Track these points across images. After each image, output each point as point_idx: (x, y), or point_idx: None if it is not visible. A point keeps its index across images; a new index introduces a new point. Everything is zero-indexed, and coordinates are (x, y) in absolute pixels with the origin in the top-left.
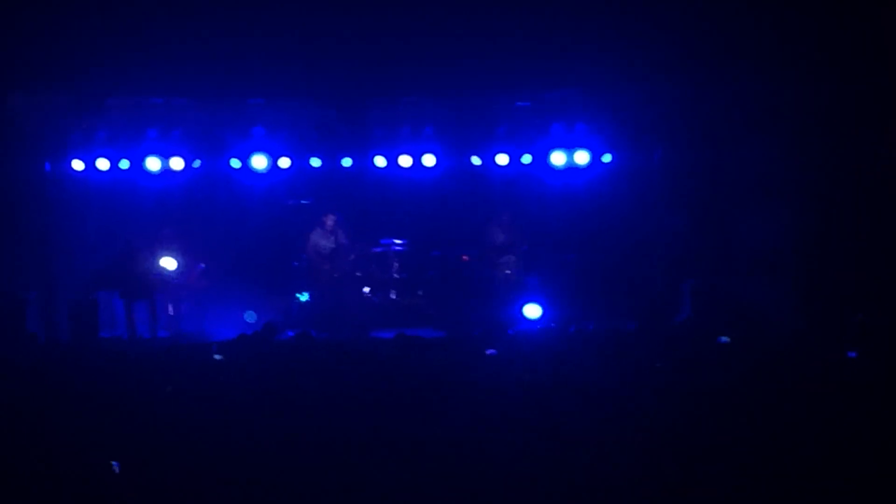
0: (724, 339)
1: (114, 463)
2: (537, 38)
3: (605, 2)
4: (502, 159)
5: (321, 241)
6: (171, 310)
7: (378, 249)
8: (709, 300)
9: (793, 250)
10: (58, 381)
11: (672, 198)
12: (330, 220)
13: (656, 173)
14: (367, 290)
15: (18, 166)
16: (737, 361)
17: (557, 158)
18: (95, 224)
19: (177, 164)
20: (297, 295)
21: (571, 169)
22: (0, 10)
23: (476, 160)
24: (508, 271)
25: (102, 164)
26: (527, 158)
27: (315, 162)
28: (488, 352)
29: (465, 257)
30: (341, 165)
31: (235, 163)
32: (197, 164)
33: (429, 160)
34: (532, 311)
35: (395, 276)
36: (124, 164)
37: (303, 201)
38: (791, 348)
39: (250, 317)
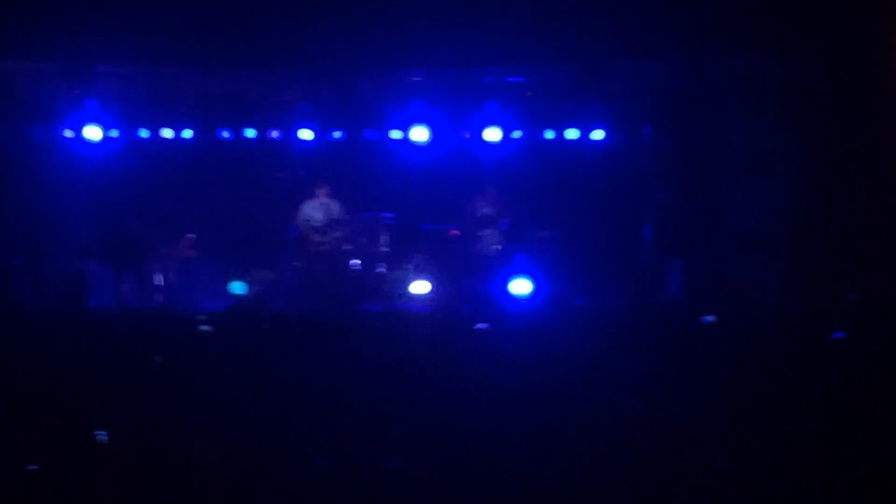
0: (710, 318)
1: (100, 433)
2: (529, 13)
3: None
4: (493, 134)
5: (314, 213)
6: (161, 280)
7: (367, 222)
8: (697, 279)
9: (783, 228)
10: (44, 351)
11: (662, 175)
12: (322, 192)
13: (646, 150)
14: (355, 263)
15: (7, 133)
16: (724, 341)
17: (547, 135)
18: (85, 193)
19: (167, 133)
20: (286, 266)
21: (562, 145)
22: None
23: (466, 135)
24: (497, 246)
25: (93, 132)
26: (517, 134)
27: (306, 134)
28: (479, 326)
29: (454, 231)
30: (332, 137)
31: (226, 133)
32: (187, 134)
33: (420, 134)
34: (521, 286)
35: (384, 249)
36: (114, 132)
37: (296, 172)
38: (779, 328)
39: (237, 287)
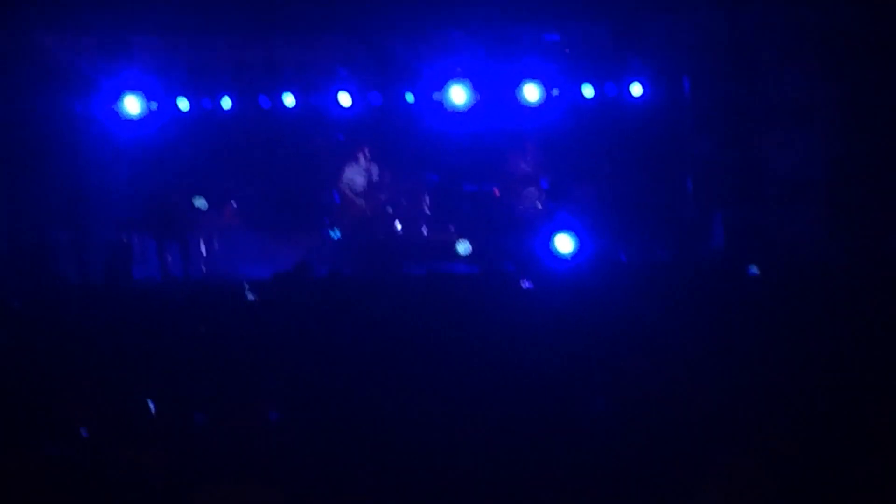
0: (755, 269)
1: (149, 401)
2: None
3: None
4: (532, 92)
5: (356, 176)
6: (203, 249)
7: (409, 185)
8: (741, 230)
9: (824, 177)
10: (91, 324)
11: (703, 126)
12: (363, 156)
13: (685, 103)
14: (398, 225)
15: (48, 107)
16: (769, 291)
17: (586, 91)
18: (126, 165)
19: (206, 103)
20: (330, 232)
21: (600, 100)
22: None
23: (511, 93)
24: (539, 204)
25: (132, 104)
26: (555, 91)
27: (344, 98)
28: (524, 285)
29: (496, 191)
30: (371, 101)
31: (266, 100)
32: (226, 103)
33: (459, 94)
34: (564, 243)
35: (427, 211)
36: (153, 104)
37: (336, 138)
38: (823, 277)
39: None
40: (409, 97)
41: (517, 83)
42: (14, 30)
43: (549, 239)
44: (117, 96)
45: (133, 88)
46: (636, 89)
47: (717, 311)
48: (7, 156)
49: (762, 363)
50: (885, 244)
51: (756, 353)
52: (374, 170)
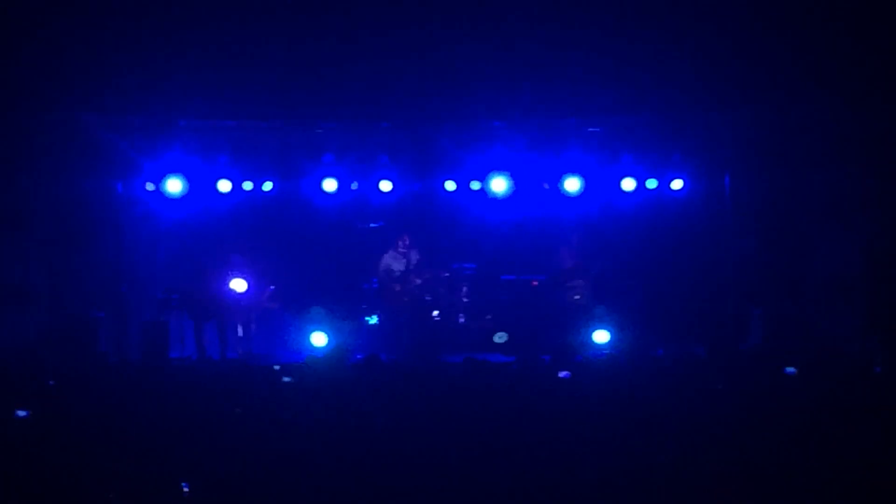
0: (792, 369)
1: (183, 484)
2: (608, 63)
3: (674, 30)
4: (573, 184)
5: (393, 263)
6: (240, 331)
7: (448, 273)
8: (779, 326)
9: (864, 277)
10: (128, 402)
11: (743, 222)
12: (403, 243)
13: (727, 197)
14: (436, 313)
15: (91, 186)
16: (805, 391)
17: (627, 184)
18: (166, 245)
19: (247, 186)
20: (367, 318)
21: (641, 193)
22: (74, 31)
23: (547, 185)
24: (577, 296)
25: (174, 185)
26: (597, 184)
27: (385, 185)
28: (561, 374)
29: (534, 282)
30: (412, 189)
31: (307, 185)
32: (268, 186)
33: (499, 184)
34: (601, 336)
35: (465, 299)
36: (196, 185)
37: (373, 224)
38: (862, 379)
39: (318, 338)
40: (450, 185)
41: (558, 175)
42: (62, 111)
43: (586, 330)
44: (160, 177)
45: (175, 170)
46: (677, 184)
47: (752, 409)
48: (52, 233)
49: (797, 462)
50: None
51: (792, 452)
52: (413, 256)
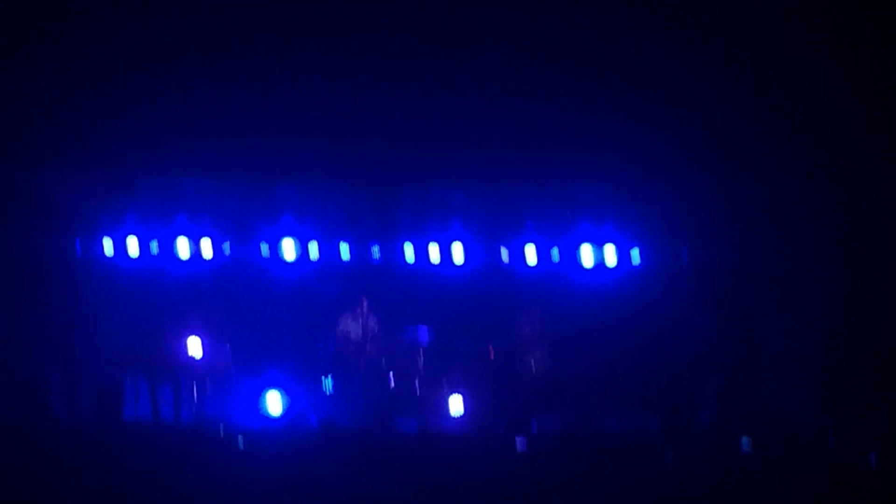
0: (746, 439)
1: None
2: (566, 133)
3: (631, 101)
4: (530, 253)
5: (352, 327)
6: (195, 393)
7: (405, 339)
8: (733, 400)
9: (820, 351)
10: (80, 463)
11: (698, 295)
12: (360, 307)
13: (683, 270)
14: (392, 379)
15: (48, 244)
16: (760, 464)
17: (585, 254)
18: (122, 304)
19: (205, 246)
20: (323, 382)
21: (598, 265)
22: (30, 88)
23: (505, 253)
24: (533, 366)
25: (132, 244)
26: (554, 253)
27: (344, 250)
28: (518, 445)
29: (491, 349)
30: (370, 253)
31: (264, 248)
32: (226, 247)
33: (456, 252)
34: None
35: (421, 366)
36: (153, 245)
37: (330, 288)
38: (815, 452)
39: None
40: (408, 252)
41: (516, 243)
42: (18, 168)
43: (539, 401)
44: (115, 235)
45: (131, 228)
46: (633, 254)
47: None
48: (4, 291)
49: None
50: (877, 419)
51: None
52: (371, 322)
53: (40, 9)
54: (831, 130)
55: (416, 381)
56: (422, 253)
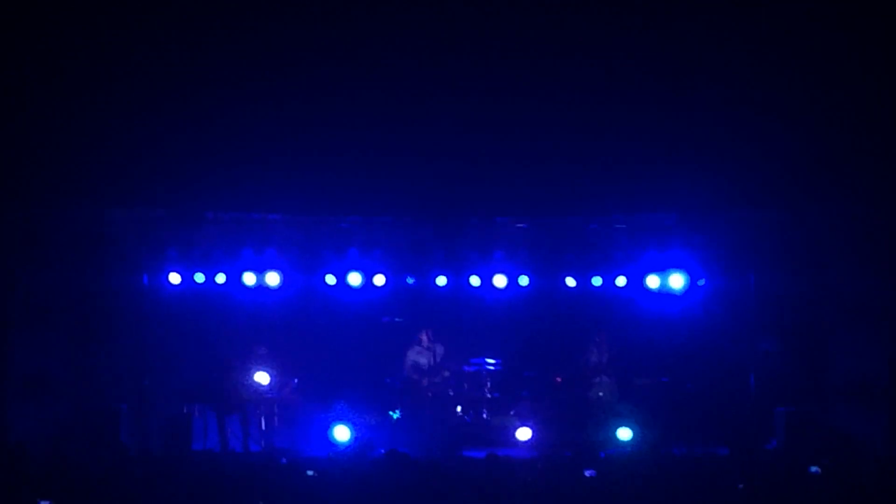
0: (815, 469)
1: None
2: (631, 163)
3: (697, 130)
4: (596, 281)
5: (420, 358)
6: (263, 424)
7: (471, 368)
8: (801, 428)
9: (888, 378)
10: (149, 494)
11: (766, 323)
12: (426, 337)
13: (750, 297)
14: (459, 408)
15: (117, 279)
16: (828, 492)
17: (652, 282)
18: (190, 337)
19: (272, 279)
20: (391, 412)
21: (665, 292)
22: (98, 128)
23: (571, 282)
24: (601, 393)
25: (199, 278)
26: (621, 281)
27: (410, 280)
28: (587, 473)
29: (558, 378)
30: (435, 284)
31: (331, 279)
32: (292, 279)
33: (523, 281)
34: (625, 433)
35: (488, 395)
36: (220, 278)
37: (397, 319)
38: (885, 480)
39: (340, 433)
40: (475, 281)
41: (584, 271)
42: (87, 206)
43: (610, 427)
44: (185, 270)
45: (200, 263)
46: (701, 282)
47: None
48: (75, 326)
49: None
50: None
51: None
52: (438, 351)
53: (112, 48)
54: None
55: (484, 410)
56: (487, 282)
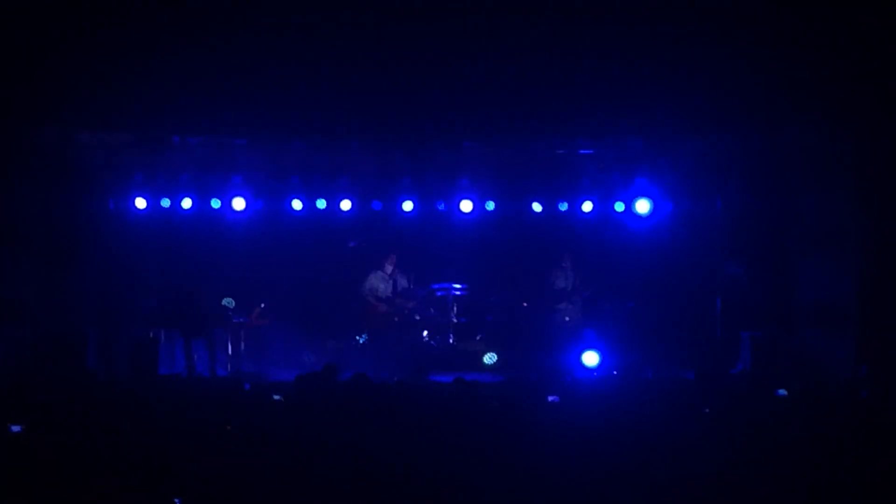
0: (782, 391)
1: (176, 500)
2: (598, 87)
3: (665, 54)
4: (563, 206)
5: (379, 283)
6: (230, 349)
7: (437, 294)
8: (768, 351)
9: (853, 301)
10: (116, 418)
11: (732, 247)
12: (389, 264)
13: (717, 223)
14: (425, 333)
15: (83, 203)
16: (795, 414)
17: (618, 206)
18: (156, 262)
19: (238, 204)
20: (357, 337)
21: (631, 217)
22: (65, 52)
23: (537, 207)
24: (567, 318)
25: (165, 202)
26: (587, 206)
27: (375, 205)
28: (550, 398)
29: (524, 303)
30: (402, 209)
31: (297, 204)
32: (258, 204)
33: (490, 206)
34: (590, 358)
35: (454, 320)
36: (186, 203)
37: (362, 243)
38: (851, 403)
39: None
40: (440, 206)
41: (550, 197)
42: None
43: (575, 353)
44: (150, 194)
45: (164, 186)
46: (668, 207)
47: (740, 432)
48: (43, 249)
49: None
50: None
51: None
52: (401, 277)
53: None
54: (867, 79)
55: (450, 335)
56: (453, 207)
